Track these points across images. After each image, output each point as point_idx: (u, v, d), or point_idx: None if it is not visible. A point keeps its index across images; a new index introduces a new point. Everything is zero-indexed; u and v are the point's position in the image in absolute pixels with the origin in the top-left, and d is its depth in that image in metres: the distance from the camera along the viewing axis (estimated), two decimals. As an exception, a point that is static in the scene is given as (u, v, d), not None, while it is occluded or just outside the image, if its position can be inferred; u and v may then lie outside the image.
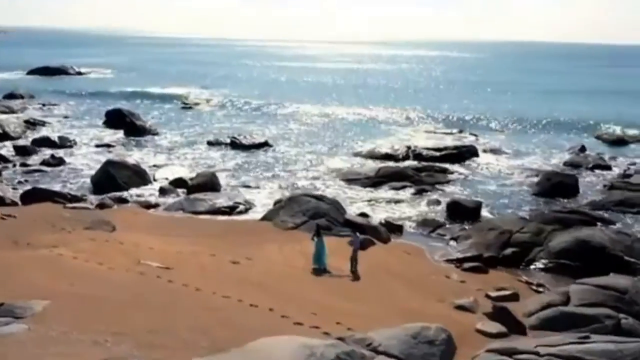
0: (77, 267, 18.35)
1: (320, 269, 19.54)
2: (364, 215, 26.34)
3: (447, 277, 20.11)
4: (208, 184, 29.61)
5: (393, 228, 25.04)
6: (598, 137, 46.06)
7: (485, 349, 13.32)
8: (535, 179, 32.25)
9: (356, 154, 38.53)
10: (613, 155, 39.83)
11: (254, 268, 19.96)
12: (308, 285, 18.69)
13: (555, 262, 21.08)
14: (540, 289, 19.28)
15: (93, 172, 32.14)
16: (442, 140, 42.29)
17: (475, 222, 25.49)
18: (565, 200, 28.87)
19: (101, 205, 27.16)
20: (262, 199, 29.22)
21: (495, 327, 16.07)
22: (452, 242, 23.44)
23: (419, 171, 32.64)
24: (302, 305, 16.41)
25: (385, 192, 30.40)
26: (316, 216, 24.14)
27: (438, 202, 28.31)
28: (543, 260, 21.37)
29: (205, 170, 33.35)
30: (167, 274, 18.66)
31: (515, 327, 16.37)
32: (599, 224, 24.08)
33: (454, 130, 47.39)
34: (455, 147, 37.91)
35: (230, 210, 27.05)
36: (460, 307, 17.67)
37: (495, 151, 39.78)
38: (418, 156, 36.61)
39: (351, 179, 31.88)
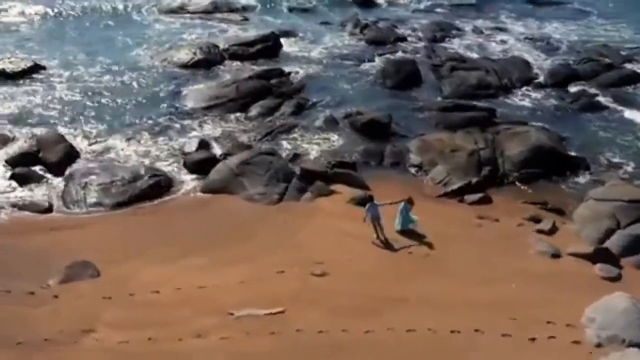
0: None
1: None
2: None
3: (481, 218, 20.30)
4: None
5: (348, 167, 22.74)
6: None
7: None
8: (367, 68, 31.94)
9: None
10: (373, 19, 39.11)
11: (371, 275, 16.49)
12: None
13: (525, 172, 22.58)
14: (549, 206, 21.43)
15: None
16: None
17: (389, 138, 25.15)
18: (415, 94, 29.55)
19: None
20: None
21: (611, 270, 17.07)
22: (420, 173, 22.97)
23: (263, 78, 28.68)
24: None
25: (265, 117, 26.59)
26: (288, 178, 20.74)
27: (335, 121, 26.16)
28: (514, 174, 22.63)
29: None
30: (308, 322, 14.14)
31: (617, 264, 17.69)
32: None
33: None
34: (262, 39, 33.68)
35: (154, 188, 20.33)
36: (544, 254, 17.76)
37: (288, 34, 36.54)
38: (233, 56, 32.00)
39: (211, 106, 26.40)
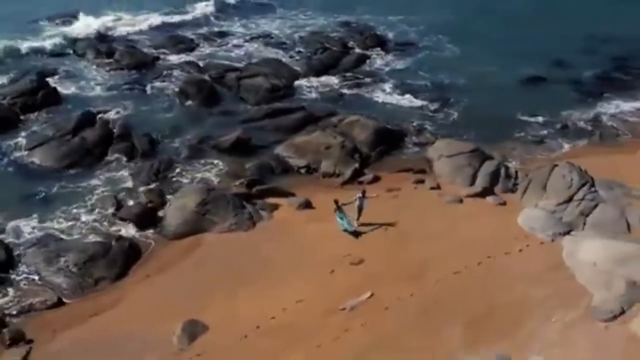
0: None
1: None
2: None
3: (389, 191, 27.11)
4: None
5: (259, 183, 27.18)
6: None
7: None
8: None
9: None
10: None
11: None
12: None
13: (379, 150, 29.76)
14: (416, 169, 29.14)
15: None
16: None
17: (255, 152, 29.94)
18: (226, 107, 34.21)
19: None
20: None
21: (498, 199, 26.08)
22: (312, 172, 28.56)
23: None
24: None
25: (130, 161, 29.17)
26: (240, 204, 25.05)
27: (198, 148, 30.05)
28: (373, 154, 29.69)
29: None
30: (386, 297, 20.25)
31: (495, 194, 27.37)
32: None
33: None
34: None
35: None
36: (452, 201, 25.50)
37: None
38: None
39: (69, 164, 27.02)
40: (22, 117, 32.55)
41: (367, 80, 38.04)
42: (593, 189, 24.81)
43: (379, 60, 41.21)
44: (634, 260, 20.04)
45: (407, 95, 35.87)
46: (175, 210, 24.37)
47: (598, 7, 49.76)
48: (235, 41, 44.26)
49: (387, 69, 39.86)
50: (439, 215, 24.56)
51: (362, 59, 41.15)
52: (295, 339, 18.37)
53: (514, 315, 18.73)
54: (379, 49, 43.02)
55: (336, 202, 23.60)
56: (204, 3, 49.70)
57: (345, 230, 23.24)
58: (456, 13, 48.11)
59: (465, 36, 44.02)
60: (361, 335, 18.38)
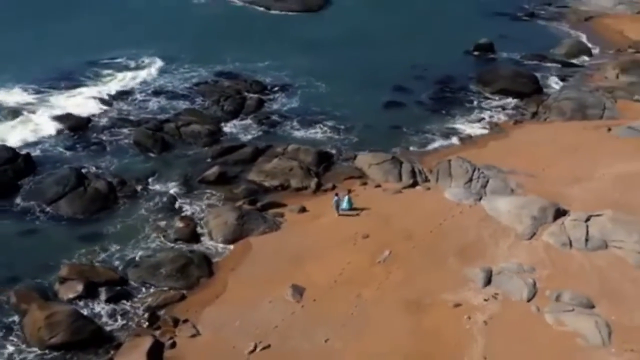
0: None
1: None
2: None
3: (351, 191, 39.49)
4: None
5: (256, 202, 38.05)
6: None
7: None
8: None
9: None
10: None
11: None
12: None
13: (322, 166, 42.14)
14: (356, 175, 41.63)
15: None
16: None
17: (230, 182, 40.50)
18: (181, 151, 44.04)
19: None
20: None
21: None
22: (289, 189, 39.77)
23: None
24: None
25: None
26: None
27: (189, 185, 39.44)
28: (320, 170, 41.94)
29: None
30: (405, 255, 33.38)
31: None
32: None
33: None
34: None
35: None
36: (394, 191, 39.99)
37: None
38: None
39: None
40: (18, 183, 39.20)
41: (276, 118, 49.71)
42: (481, 171, 39.27)
43: (273, 102, 52.92)
44: (527, 205, 34.56)
45: (315, 127, 48.13)
46: (218, 225, 34.35)
47: (415, 43, 66.17)
48: (139, 96, 53.21)
49: (284, 108, 51.77)
50: (393, 201, 37.39)
51: (260, 102, 52.62)
52: (361, 283, 29.92)
53: (478, 247, 32.19)
54: (264, 92, 54.73)
55: (348, 192, 35.66)
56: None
57: (349, 207, 35.06)
58: (309, 57, 61.27)
59: (326, 75, 57.33)
60: (398, 274, 30.53)
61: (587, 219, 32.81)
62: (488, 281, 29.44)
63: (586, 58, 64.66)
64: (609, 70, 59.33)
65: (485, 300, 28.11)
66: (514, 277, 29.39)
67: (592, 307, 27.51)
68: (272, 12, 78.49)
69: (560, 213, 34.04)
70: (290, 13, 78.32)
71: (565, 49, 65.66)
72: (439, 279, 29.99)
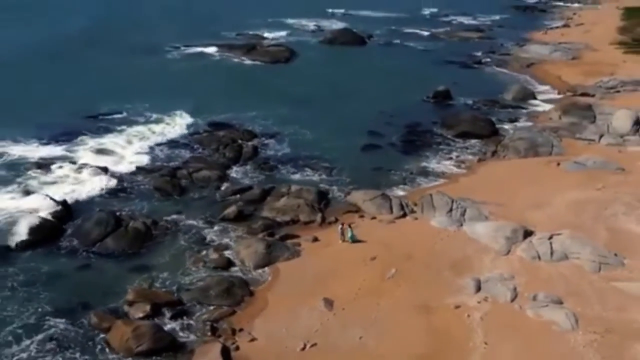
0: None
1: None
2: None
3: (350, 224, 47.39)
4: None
5: (273, 235, 45.53)
6: None
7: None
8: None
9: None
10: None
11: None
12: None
13: (325, 201, 50.00)
14: (354, 209, 49.49)
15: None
16: None
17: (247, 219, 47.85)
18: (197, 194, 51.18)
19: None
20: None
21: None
22: (298, 222, 47.34)
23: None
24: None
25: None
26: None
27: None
28: (322, 206, 49.75)
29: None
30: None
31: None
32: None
33: None
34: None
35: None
36: (389, 221, 47.96)
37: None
38: None
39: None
40: (63, 227, 45.77)
41: (273, 163, 57.43)
42: (458, 202, 47.80)
43: (267, 149, 60.70)
44: (500, 229, 43.13)
45: (308, 170, 56.03)
46: (250, 254, 41.68)
47: (378, 91, 75.15)
48: (146, 146, 60.37)
49: (279, 153, 59.56)
50: (390, 230, 45.40)
51: (255, 149, 60.33)
52: (378, 295, 37.55)
53: (466, 262, 40.37)
54: (257, 140, 62.51)
55: (349, 225, 43.27)
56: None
57: (352, 240, 42.76)
58: (290, 106, 69.61)
59: (308, 122, 65.59)
60: (406, 286, 38.40)
61: (550, 237, 41.34)
62: (478, 288, 37.41)
63: (532, 101, 74.81)
64: (552, 112, 69.44)
65: (479, 302, 36.06)
66: (498, 284, 37.50)
67: (561, 303, 35.75)
68: (247, 62, 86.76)
69: (527, 233, 42.48)
70: (261, 64, 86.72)
71: (512, 94, 75.79)
72: (439, 288, 37.84)
